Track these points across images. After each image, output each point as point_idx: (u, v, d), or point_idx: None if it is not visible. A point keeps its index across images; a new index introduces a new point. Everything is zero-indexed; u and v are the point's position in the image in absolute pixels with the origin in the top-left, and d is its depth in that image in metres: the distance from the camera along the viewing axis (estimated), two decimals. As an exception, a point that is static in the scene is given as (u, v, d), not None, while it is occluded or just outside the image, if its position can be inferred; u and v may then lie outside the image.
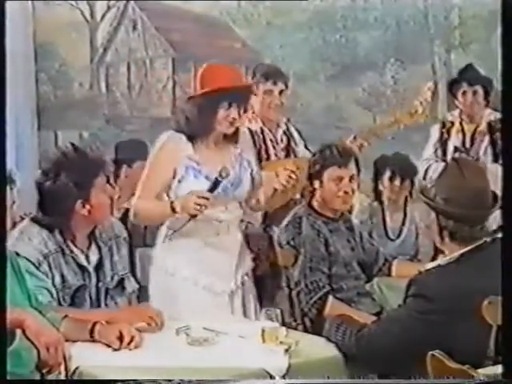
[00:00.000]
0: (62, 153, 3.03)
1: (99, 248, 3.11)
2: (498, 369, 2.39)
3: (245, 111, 3.33)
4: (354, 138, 4.15)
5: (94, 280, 3.06)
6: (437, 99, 5.90)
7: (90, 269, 3.06)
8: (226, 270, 3.39)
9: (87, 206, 2.99)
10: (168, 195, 3.30)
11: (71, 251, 3.03)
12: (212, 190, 3.19)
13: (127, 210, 4.88)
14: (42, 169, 3.04)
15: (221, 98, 3.23)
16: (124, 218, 4.81)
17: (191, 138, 3.29)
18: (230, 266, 3.40)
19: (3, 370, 2.31)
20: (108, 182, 3.08)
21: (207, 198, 3.15)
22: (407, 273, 3.28)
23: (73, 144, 3.09)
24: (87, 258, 3.07)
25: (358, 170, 3.69)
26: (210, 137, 3.31)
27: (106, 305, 3.09)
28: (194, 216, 3.19)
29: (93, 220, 3.05)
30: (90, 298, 3.05)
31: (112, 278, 3.12)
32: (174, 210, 3.19)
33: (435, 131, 5.07)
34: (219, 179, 3.20)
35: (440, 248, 2.79)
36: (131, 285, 3.20)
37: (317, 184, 3.67)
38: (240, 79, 3.43)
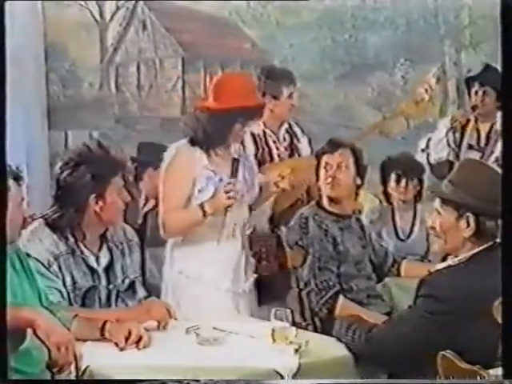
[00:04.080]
0: (85, 146, 3.06)
1: (110, 250, 3.12)
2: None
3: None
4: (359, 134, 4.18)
5: (103, 282, 3.07)
6: (447, 98, 5.89)
7: (100, 271, 3.07)
8: (240, 270, 3.44)
9: (100, 203, 3.01)
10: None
11: (82, 252, 3.04)
12: (234, 173, 3.29)
13: (146, 214, 4.96)
14: (63, 159, 3.06)
15: (238, 115, 3.32)
16: (144, 223, 4.87)
17: (205, 149, 3.36)
18: (241, 267, 3.42)
19: (4, 369, 2.32)
20: (125, 186, 3.09)
21: (233, 183, 3.19)
22: (417, 273, 3.28)
23: (99, 141, 3.14)
24: (97, 259, 3.08)
25: (357, 164, 3.70)
26: (221, 147, 3.38)
27: (117, 307, 3.09)
28: (228, 206, 3.26)
29: (104, 220, 3.05)
30: (100, 299, 3.05)
31: (123, 281, 3.13)
32: (204, 212, 3.26)
33: (442, 126, 5.09)
34: (237, 158, 3.31)
35: (460, 245, 2.75)
36: (142, 289, 3.21)
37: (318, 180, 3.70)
38: (254, 91, 3.48)
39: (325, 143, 3.75)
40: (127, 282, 3.15)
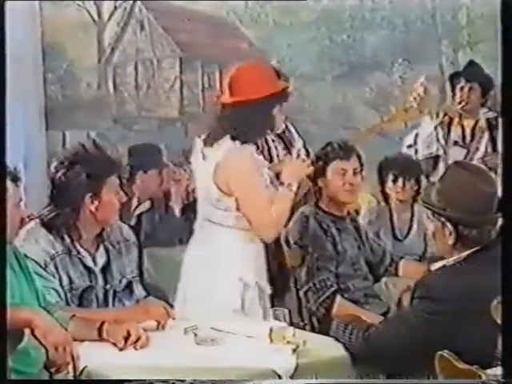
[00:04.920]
0: (81, 145, 3.06)
1: (107, 250, 3.12)
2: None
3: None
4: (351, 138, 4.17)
5: (100, 282, 3.07)
6: (444, 99, 5.89)
7: (97, 271, 3.07)
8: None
9: (96, 202, 3.01)
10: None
11: (78, 252, 3.04)
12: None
13: (140, 216, 4.95)
14: (59, 158, 3.07)
15: (275, 101, 3.27)
16: (138, 224, 4.88)
17: (252, 141, 3.31)
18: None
19: (4, 370, 2.32)
20: (121, 185, 3.09)
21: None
22: (414, 273, 3.28)
23: (94, 140, 3.15)
24: (94, 259, 3.08)
25: (361, 167, 3.70)
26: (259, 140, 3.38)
27: (114, 307, 3.09)
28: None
29: (99, 220, 3.05)
30: (98, 299, 3.05)
31: (120, 281, 3.13)
32: (290, 186, 3.26)
33: (429, 121, 5.13)
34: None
35: (448, 251, 2.77)
36: (139, 289, 3.21)
37: (321, 182, 3.67)
38: (273, 74, 3.39)
39: (330, 146, 3.69)
40: (124, 281, 3.14)
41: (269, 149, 4.24)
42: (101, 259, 3.09)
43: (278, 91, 3.29)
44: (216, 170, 3.22)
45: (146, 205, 5.07)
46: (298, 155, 3.42)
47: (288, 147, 4.33)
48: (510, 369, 2.28)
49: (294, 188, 3.28)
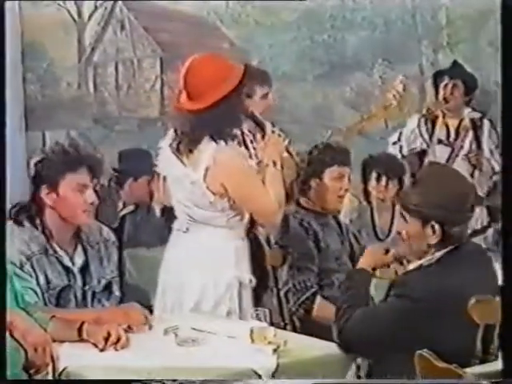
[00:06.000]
0: (56, 142, 3.08)
1: (85, 250, 3.10)
2: (485, 368, 2.41)
3: None
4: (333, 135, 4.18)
5: (79, 282, 3.06)
6: (423, 99, 5.92)
7: (75, 270, 3.06)
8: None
9: (53, 195, 2.99)
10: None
11: (55, 251, 3.03)
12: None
13: (124, 216, 4.93)
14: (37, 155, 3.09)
15: (239, 89, 3.19)
16: (121, 225, 4.86)
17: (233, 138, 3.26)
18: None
19: (3, 370, 2.31)
20: (96, 187, 3.07)
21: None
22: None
23: (72, 138, 3.15)
24: (72, 259, 3.07)
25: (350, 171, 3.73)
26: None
27: (93, 307, 3.08)
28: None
29: (65, 217, 3.03)
30: (76, 299, 3.04)
31: (99, 282, 3.12)
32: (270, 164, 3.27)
33: (414, 118, 5.18)
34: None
35: (424, 251, 2.78)
36: (119, 290, 3.19)
37: (314, 182, 3.67)
38: (227, 65, 3.26)
39: (329, 149, 3.70)
40: (103, 282, 3.13)
41: (247, 149, 4.23)
42: (79, 259, 3.08)
43: (239, 79, 3.19)
44: (207, 174, 3.17)
45: (131, 207, 5.06)
46: (273, 132, 3.38)
47: (260, 126, 4.29)
48: (510, 369, 2.30)
49: (279, 165, 3.27)
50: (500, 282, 2.59)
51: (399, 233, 2.82)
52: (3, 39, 2.59)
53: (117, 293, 3.17)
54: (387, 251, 2.96)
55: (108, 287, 3.15)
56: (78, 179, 3.02)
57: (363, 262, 3.00)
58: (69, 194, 3.02)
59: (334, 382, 2.66)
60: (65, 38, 6.48)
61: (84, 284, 3.07)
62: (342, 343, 2.74)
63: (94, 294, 3.09)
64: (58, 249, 3.04)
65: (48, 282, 2.98)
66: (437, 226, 2.71)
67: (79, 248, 3.10)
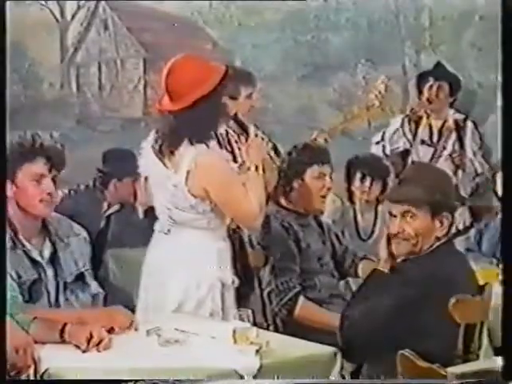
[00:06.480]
0: (18, 135, 3.07)
1: (53, 243, 3.09)
2: (467, 367, 2.42)
3: None
4: (318, 135, 4.19)
5: (50, 274, 3.04)
6: (406, 99, 5.95)
7: (44, 263, 3.05)
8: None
9: (13, 187, 2.99)
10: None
11: (23, 245, 3.02)
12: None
13: (109, 217, 4.92)
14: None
15: (220, 89, 3.16)
16: (107, 225, 4.85)
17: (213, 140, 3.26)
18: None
19: (3, 370, 2.29)
20: (54, 175, 3.05)
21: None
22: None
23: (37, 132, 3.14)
24: (41, 253, 3.07)
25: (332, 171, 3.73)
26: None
27: (67, 299, 3.07)
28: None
29: (24, 208, 3.02)
30: (48, 292, 3.03)
31: (70, 273, 3.10)
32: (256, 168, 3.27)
33: (397, 122, 5.21)
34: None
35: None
36: (94, 282, 3.18)
37: (296, 183, 3.67)
38: (207, 66, 3.24)
39: (309, 149, 3.71)
40: (75, 273, 3.12)
41: (232, 150, 4.22)
42: (47, 251, 3.08)
43: (220, 80, 3.16)
44: (189, 178, 3.14)
45: (116, 207, 5.05)
46: (256, 135, 3.38)
47: (243, 128, 4.28)
48: (510, 369, 2.31)
49: (261, 169, 3.26)
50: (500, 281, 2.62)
51: (398, 232, 2.81)
52: (4, 40, 2.57)
53: (92, 285, 3.15)
54: None
55: (80, 278, 3.12)
56: (34, 169, 3.02)
57: None
58: (26, 184, 3.01)
59: (317, 382, 2.66)
60: (47, 38, 6.45)
61: (55, 276, 3.05)
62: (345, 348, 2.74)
63: (65, 285, 3.08)
64: (25, 242, 3.04)
65: (19, 276, 2.97)
66: (449, 217, 2.72)
67: (47, 241, 3.09)
